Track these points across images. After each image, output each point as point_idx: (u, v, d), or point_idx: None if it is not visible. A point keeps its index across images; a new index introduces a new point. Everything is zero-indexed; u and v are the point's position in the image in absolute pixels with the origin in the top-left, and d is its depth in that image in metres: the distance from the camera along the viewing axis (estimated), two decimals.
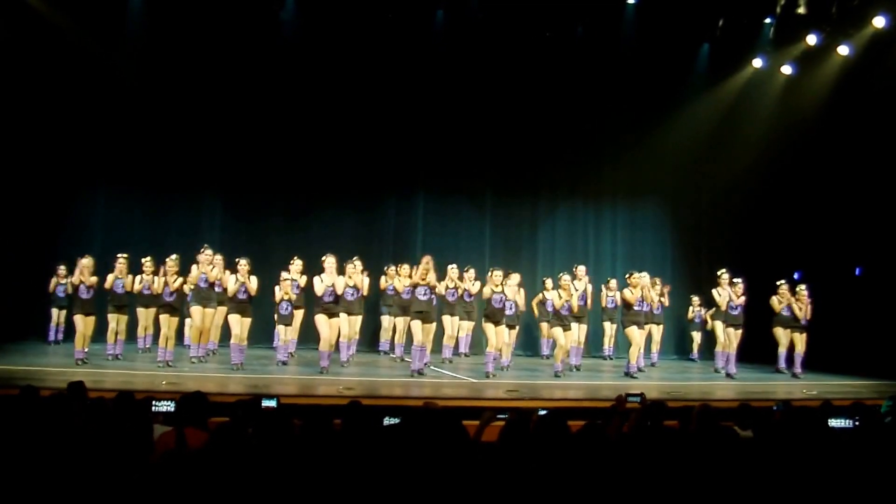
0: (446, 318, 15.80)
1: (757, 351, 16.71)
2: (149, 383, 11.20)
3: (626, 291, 15.01)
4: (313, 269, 14.57)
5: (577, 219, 20.68)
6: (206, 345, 14.65)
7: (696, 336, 19.05)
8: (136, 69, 17.36)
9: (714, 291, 15.93)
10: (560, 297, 14.44)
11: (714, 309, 16.62)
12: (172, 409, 6.51)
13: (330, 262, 13.86)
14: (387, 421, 6.19)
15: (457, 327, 15.94)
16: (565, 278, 14.68)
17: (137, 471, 4.62)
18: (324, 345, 13.69)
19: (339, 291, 13.86)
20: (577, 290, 14.96)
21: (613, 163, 20.30)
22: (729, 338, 15.48)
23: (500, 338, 14.25)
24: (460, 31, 18.68)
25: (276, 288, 14.65)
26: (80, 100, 17.16)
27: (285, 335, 14.84)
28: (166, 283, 14.06)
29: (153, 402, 6.58)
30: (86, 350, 13.85)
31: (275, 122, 18.41)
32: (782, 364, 16.10)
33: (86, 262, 14.09)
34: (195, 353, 14.34)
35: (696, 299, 18.68)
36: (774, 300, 15.92)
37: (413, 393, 11.70)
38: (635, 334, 14.84)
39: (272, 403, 6.69)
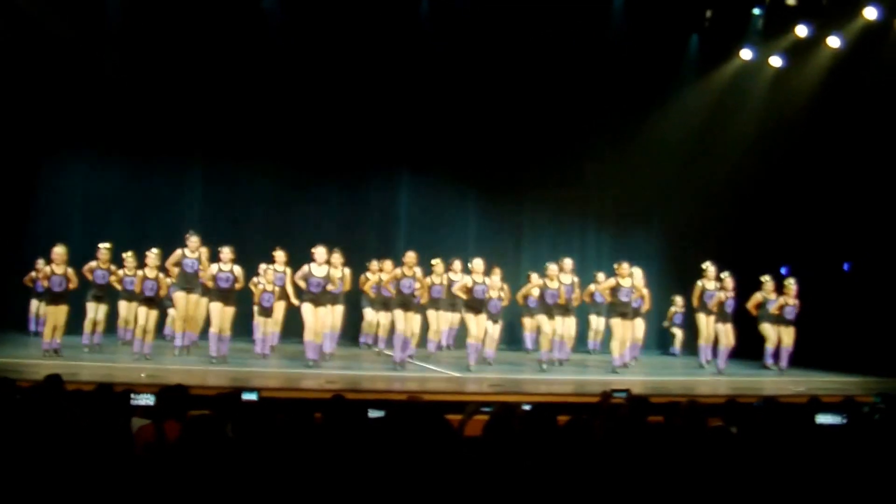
0: (431, 313, 15.80)
1: (744, 346, 16.65)
2: (128, 376, 11.08)
3: (612, 280, 14.92)
4: (293, 260, 14.51)
5: (564, 213, 20.64)
6: (190, 334, 14.49)
7: (678, 332, 18.98)
8: (116, 56, 17.19)
9: (698, 283, 15.91)
10: (547, 285, 14.45)
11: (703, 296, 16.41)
12: (152, 403, 6.43)
13: (320, 252, 13.73)
14: (371, 414, 6.13)
15: (442, 321, 15.98)
16: (552, 267, 14.65)
17: (116, 464, 4.56)
18: (308, 334, 13.59)
19: (335, 286, 13.79)
20: (563, 283, 14.82)
21: (600, 156, 20.25)
22: (720, 333, 15.38)
23: (482, 327, 14.18)
24: (446, 21, 18.61)
25: (255, 279, 14.55)
26: (53, 81, 16.87)
27: (265, 327, 14.70)
28: (146, 278, 13.62)
29: (132, 395, 6.49)
30: (58, 341, 13.52)
31: (257, 112, 18.21)
32: (769, 360, 16.05)
33: (58, 251, 13.40)
34: (179, 343, 14.18)
35: (678, 299, 18.57)
36: (759, 297, 15.85)
37: (396, 387, 11.62)
38: (619, 327, 14.74)
39: (253, 397, 6.61)
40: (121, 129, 17.61)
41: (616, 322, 14.78)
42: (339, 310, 15.00)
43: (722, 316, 15.37)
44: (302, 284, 13.75)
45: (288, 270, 14.86)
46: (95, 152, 17.78)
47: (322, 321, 13.75)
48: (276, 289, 14.61)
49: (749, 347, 16.32)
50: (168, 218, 16.36)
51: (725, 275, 15.50)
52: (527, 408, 6.22)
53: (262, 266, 14.82)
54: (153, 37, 17.31)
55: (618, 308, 14.78)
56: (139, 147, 17.77)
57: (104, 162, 17.87)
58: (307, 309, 13.64)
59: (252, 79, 18.05)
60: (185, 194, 18.35)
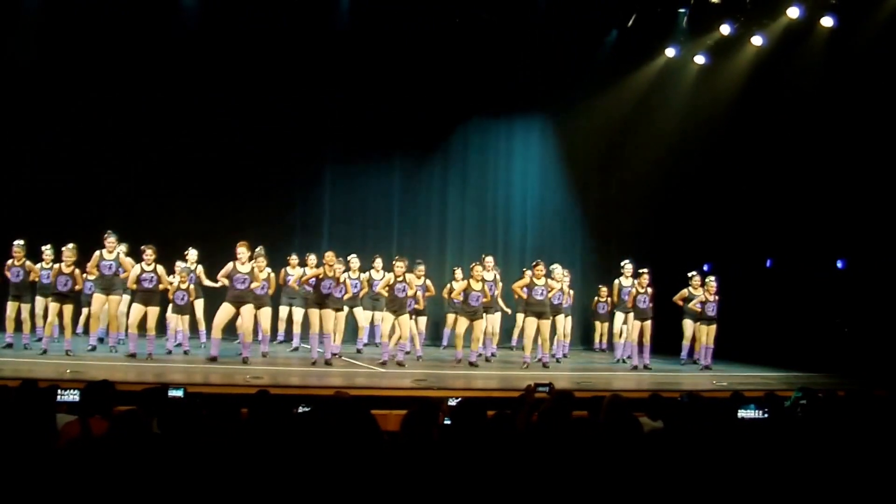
0: (356, 310, 15.89)
1: (667, 342, 16.84)
2: (53, 372, 10.99)
3: (526, 279, 14.89)
4: (213, 257, 14.43)
5: (487, 207, 20.76)
6: (115, 334, 14.36)
7: (601, 327, 19.12)
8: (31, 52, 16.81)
9: (616, 281, 16.10)
10: (471, 287, 14.50)
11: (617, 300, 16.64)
12: (77, 399, 6.41)
13: (243, 249, 13.62)
14: (300, 409, 6.19)
15: (366, 318, 16.05)
16: (477, 268, 14.70)
17: (38, 460, 4.55)
18: (217, 332, 13.56)
19: (257, 283, 13.69)
20: (486, 281, 14.87)
21: (524, 152, 20.41)
22: (636, 329, 15.43)
23: (404, 328, 14.24)
24: (365, 13, 18.52)
25: (171, 277, 14.43)
26: None
27: (176, 324, 14.63)
28: (60, 272, 13.53)
29: (58, 391, 6.47)
30: None
31: (179, 107, 17.99)
32: (685, 355, 16.29)
33: None
34: (92, 343, 13.96)
35: (602, 289, 18.73)
36: (685, 292, 16.00)
37: (321, 383, 11.65)
38: (531, 325, 14.71)
39: (179, 393, 6.61)
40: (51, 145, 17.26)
41: (530, 321, 14.78)
42: (265, 311, 14.90)
43: (640, 313, 15.50)
44: (226, 282, 13.69)
45: (199, 269, 14.99)
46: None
47: (248, 321, 13.68)
48: (192, 287, 14.59)
49: (674, 343, 16.54)
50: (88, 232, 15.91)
51: (643, 271, 15.63)
52: (453, 403, 6.29)
53: (179, 264, 14.72)
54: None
55: (532, 307, 14.77)
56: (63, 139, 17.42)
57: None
58: (226, 309, 13.61)
59: (172, 84, 17.82)
60: (106, 205, 17.74)
